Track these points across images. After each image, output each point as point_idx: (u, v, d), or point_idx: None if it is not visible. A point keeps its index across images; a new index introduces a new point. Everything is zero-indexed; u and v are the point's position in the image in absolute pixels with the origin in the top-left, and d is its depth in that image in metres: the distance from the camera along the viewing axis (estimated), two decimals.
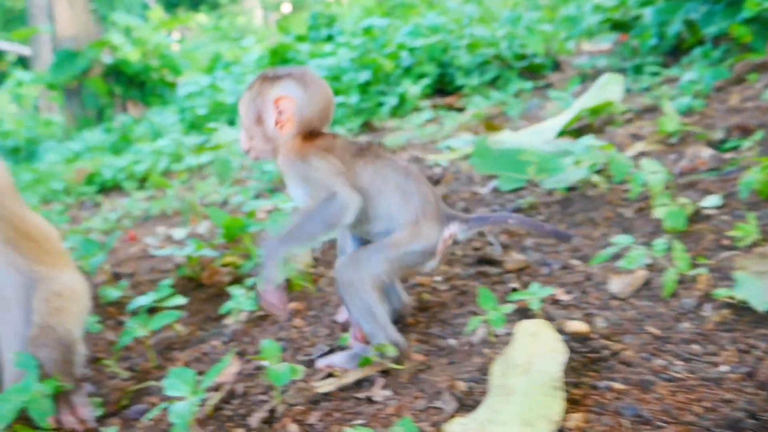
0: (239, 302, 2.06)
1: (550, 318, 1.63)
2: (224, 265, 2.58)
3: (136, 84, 11.13)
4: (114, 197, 5.97)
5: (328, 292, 2.15)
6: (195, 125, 7.94)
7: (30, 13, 17.87)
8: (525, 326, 1.38)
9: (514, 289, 1.84)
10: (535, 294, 1.62)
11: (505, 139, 3.18)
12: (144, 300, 2.10)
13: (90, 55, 10.72)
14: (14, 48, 22.31)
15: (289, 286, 2.21)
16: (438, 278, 2.06)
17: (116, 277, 3.00)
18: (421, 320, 1.84)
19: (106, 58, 11.01)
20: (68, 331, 1.85)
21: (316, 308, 2.07)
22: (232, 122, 6.65)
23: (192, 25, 16.81)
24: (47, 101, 17.44)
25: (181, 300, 2.09)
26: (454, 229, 1.60)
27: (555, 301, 1.74)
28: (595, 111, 3.50)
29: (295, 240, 1.52)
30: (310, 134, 1.61)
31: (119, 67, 11.04)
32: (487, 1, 10.33)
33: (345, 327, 1.89)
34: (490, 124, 4.32)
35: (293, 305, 2.10)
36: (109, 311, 2.57)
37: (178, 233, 3.59)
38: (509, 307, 1.58)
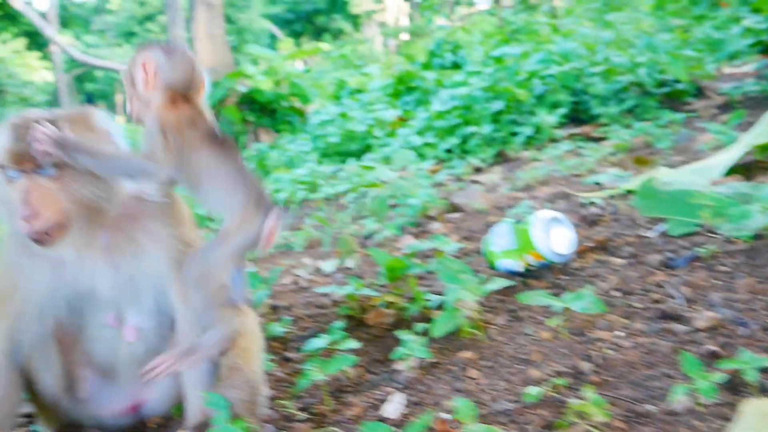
0: (411, 349, 2.05)
1: (764, 389, 1.50)
2: (386, 306, 2.59)
3: (267, 112, 11.60)
4: None
5: (499, 341, 2.11)
6: (327, 153, 8.16)
7: None
8: (756, 406, 1.28)
9: (714, 353, 1.72)
10: (748, 363, 1.50)
11: (669, 178, 3.03)
12: (319, 342, 2.14)
13: (227, 85, 11.29)
14: None
15: (458, 333, 2.18)
16: (619, 333, 1.97)
17: (274, 309, 3.09)
18: (608, 380, 1.76)
19: (241, 88, 11.57)
20: (254, 372, 1.91)
21: (490, 358, 2.03)
22: (386, 159, 6.70)
23: (314, 53, 17.38)
24: None
25: (354, 344, 2.11)
26: (275, 219, 1.68)
27: (765, 369, 1.60)
28: (766, 148, 3.28)
29: (99, 162, 1.73)
30: (179, 99, 1.76)
31: (252, 95, 11.56)
32: (618, 25, 10.03)
33: (526, 380, 1.84)
34: (641, 158, 4.15)
35: (465, 354, 2.07)
36: (273, 346, 2.64)
37: (327, 266, 3.66)
38: (720, 376, 1.48)
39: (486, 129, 6.14)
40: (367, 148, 7.97)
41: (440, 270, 2.11)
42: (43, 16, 30.80)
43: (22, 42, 31.55)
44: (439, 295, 2.43)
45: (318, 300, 3.11)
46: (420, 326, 2.22)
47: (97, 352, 2.04)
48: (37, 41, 33.46)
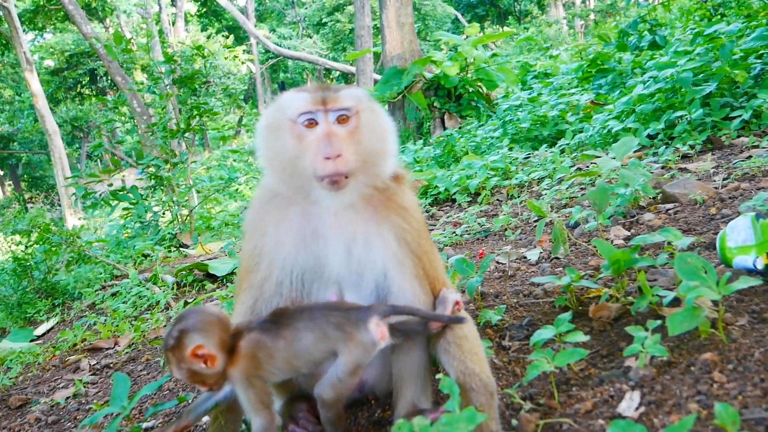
0: (645, 345, 1.96)
1: None
2: (608, 299, 2.50)
3: (453, 97, 11.65)
4: (446, 209, 6.28)
5: (744, 344, 1.95)
6: (517, 139, 8.04)
7: (357, 35, 19.82)
8: None
9: None
10: None
11: None
12: (545, 333, 2.11)
13: (414, 72, 11.48)
14: (341, 67, 25.06)
15: (695, 333, 2.05)
16: None
17: (482, 296, 3.11)
18: None
19: (427, 74, 11.72)
20: (489, 377, 1.92)
21: (735, 361, 1.88)
22: (587, 145, 6.47)
23: (503, 37, 17.08)
24: None
25: (582, 337, 2.06)
26: (376, 325, 1.88)
27: None
28: None
29: None
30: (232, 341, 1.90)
31: (439, 81, 11.65)
32: None
33: None
34: None
35: (705, 355, 1.94)
36: (488, 333, 2.65)
37: (532, 255, 3.61)
38: None
39: (695, 113, 5.70)
40: (560, 134, 7.74)
41: (678, 265, 1.98)
42: (243, 11, 33.21)
43: (225, 35, 34.29)
44: (669, 290, 2.30)
45: (527, 289, 3.08)
46: (651, 323, 2.11)
47: None
48: (236, 35, 36.20)
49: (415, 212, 2.05)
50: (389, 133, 1.98)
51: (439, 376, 1.85)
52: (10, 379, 4.10)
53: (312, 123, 1.87)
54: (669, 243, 2.63)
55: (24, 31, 19.79)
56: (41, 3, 22.49)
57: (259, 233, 2.05)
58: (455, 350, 1.96)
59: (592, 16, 25.41)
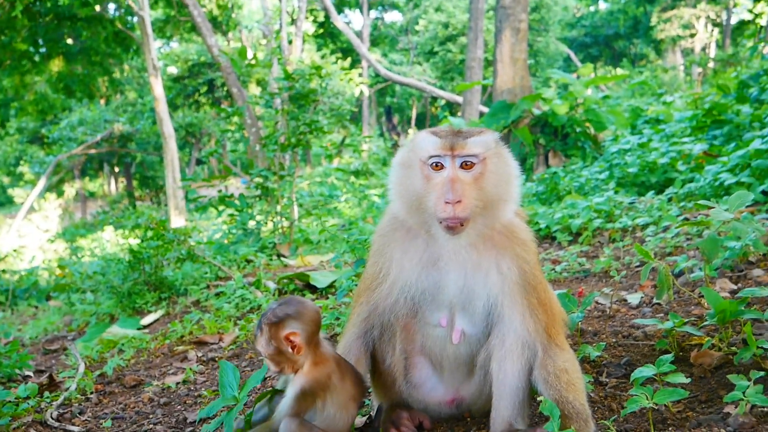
0: (747, 394, 2.00)
1: None
2: (711, 347, 2.53)
3: (559, 135, 11.61)
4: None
5: None
6: (623, 183, 7.96)
7: (468, 66, 20.06)
8: None
9: None
10: None
11: None
12: (646, 371, 2.18)
13: (522, 107, 11.54)
14: (447, 96, 25.34)
15: None
16: None
17: (581, 333, 3.17)
18: None
19: (536, 110, 11.74)
20: (583, 405, 2.03)
21: None
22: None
23: (618, 80, 16.86)
24: None
25: (683, 379, 2.11)
26: None
27: None
28: None
29: None
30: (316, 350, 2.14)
31: (546, 118, 11.65)
32: None
33: None
34: None
35: None
36: (586, 368, 2.72)
37: (633, 298, 3.64)
38: None
39: None
40: (668, 182, 7.61)
41: None
42: (358, 34, 34.19)
43: (339, 57, 35.37)
44: None
45: (627, 330, 3.13)
46: (754, 373, 2.14)
47: (429, 346, 2.32)
48: (348, 57, 37.25)
49: (532, 245, 2.19)
50: (514, 180, 2.13)
51: (540, 398, 1.96)
52: (123, 360, 4.42)
53: (439, 166, 2.05)
54: None
55: (154, 38, 21.07)
56: (172, 14, 23.93)
57: (386, 258, 2.26)
58: (553, 380, 2.08)
59: (711, 65, 24.63)
